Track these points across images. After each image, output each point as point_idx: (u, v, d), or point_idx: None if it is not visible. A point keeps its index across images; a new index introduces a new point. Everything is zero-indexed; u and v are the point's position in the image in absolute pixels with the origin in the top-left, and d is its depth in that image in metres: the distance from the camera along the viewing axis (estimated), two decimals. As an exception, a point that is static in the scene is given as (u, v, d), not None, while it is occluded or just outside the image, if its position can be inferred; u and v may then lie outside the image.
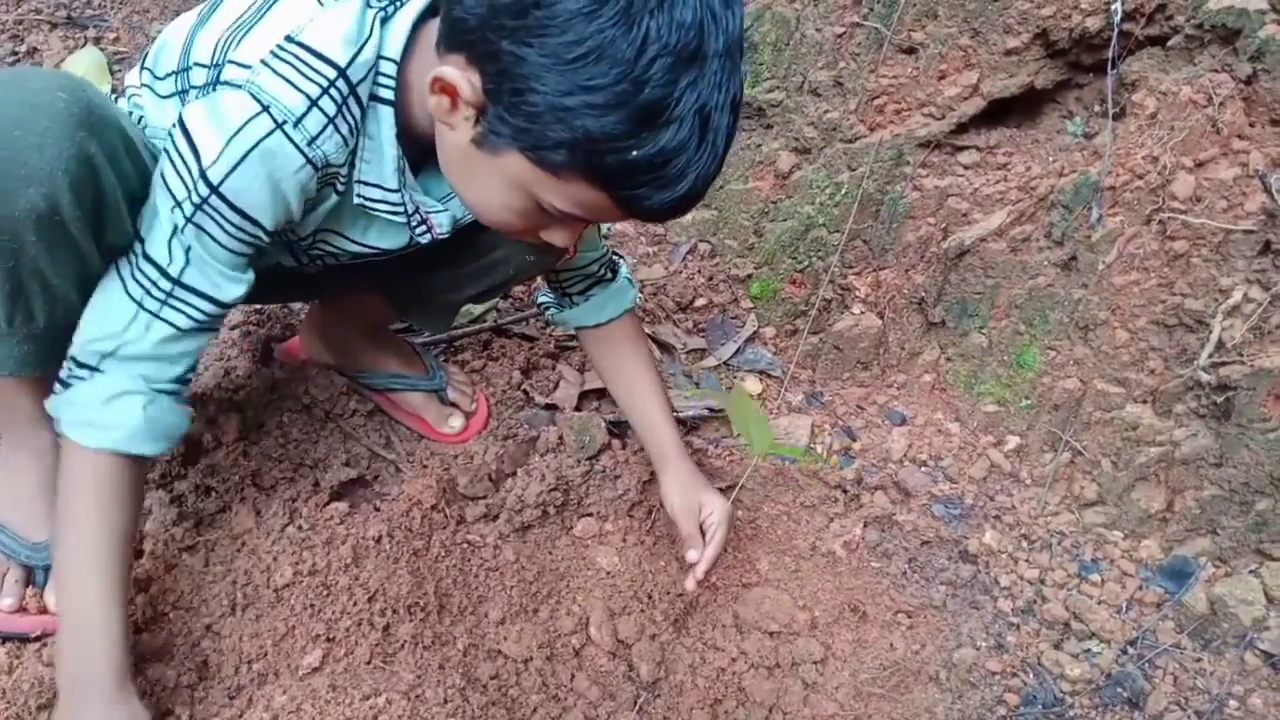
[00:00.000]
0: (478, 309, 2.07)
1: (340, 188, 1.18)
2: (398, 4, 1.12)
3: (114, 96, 1.35)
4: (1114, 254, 1.79)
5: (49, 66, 2.56)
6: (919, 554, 1.80)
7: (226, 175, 1.06)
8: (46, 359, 1.22)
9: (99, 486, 1.15)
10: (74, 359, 1.15)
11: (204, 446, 1.56)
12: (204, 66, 1.14)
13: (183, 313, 1.14)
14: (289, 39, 1.06)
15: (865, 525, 1.83)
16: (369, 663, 1.32)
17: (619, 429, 1.89)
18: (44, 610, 1.30)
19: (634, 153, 0.93)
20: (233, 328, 1.86)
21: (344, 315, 1.71)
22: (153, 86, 1.24)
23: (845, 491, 1.89)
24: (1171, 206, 1.73)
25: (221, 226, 1.10)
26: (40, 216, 1.02)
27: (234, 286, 1.16)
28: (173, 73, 1.20)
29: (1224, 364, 1.67)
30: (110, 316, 1.13)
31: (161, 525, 1.42)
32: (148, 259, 1.12)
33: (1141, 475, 1.79)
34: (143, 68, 1.28)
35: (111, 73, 2.57)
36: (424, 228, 1.26)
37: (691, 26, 0.90)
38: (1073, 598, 1.72)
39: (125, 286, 1.13)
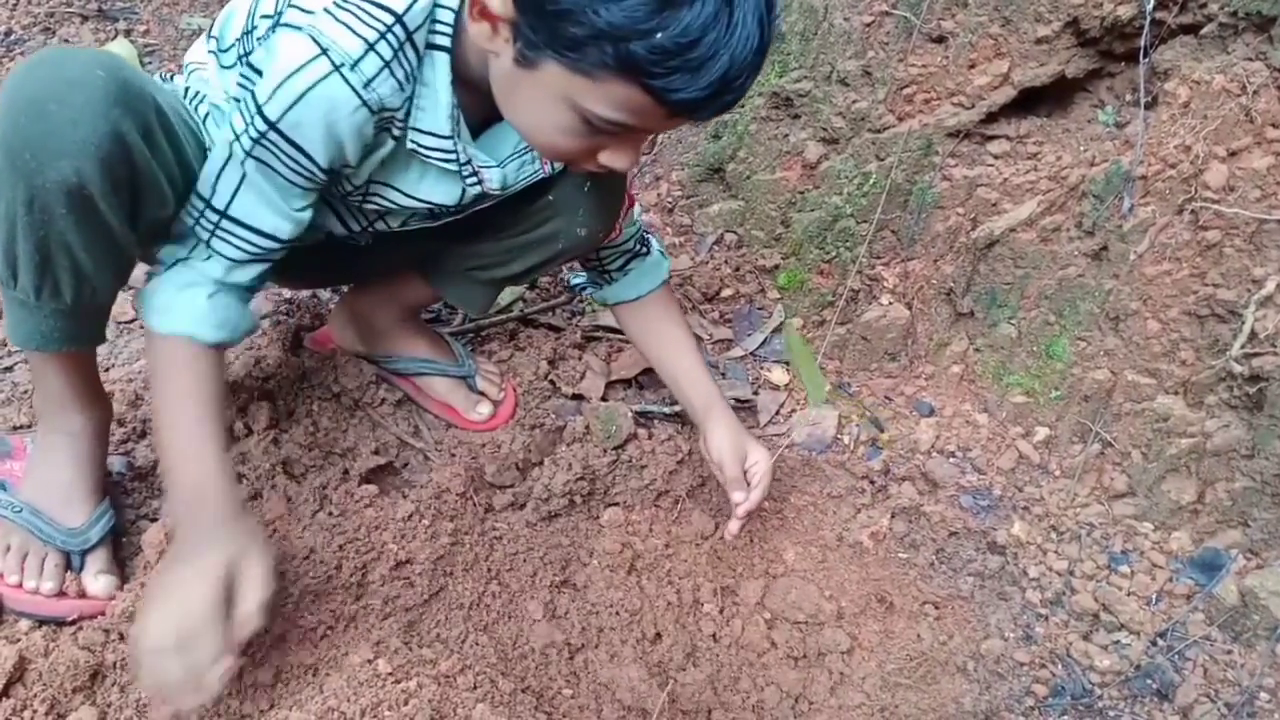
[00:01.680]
0: (506, 298, 2.08)
1: (396, 133, 1.21)
2: None
3: (171, 75, 1.38)
4: (1145, 244, 1.78)
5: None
6: (946, 545, 1.80)
7: (285, 112, 1.10)
8: (73, 337, 1.25)
9: (177, 367, 1.22)
10: (159, 259, 1.23)
11: (235, 434, 1.57)
12: (268, 17, 1.18)
13: (229, 243, 1.21)
14: None
15: (892, 516, 1.82)
16: (399, 650, 1.32)
17: (645, 419, 1.90)
18: (82, 594, 1.32)
19: (658, 35, 0.93)
20: (263, 317, 1.87)
21: (376, 300, 1.72)
22: (218, 56, 1.29)
23: (872, 482, 1.89)
24: (1204, 196, 1.71)
25: (280, 159, 1.14)
26: (70, 190, 1.04)
27: (283, 222, 1.22)
28: (238, 39, 1.24)
29: (1256, 355, 1.65)
30: (179, 234, 1.22)
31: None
32: (198, 193, 1.19)
33: (1172, 467, 1.78)
34: (209, 37, 1.33)
35: (142, 64, 2.59)
36: (475, 179, 1.29)
37: None
38: (1102, 589, 1.71)
39: (188, 212, 1.20)
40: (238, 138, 1.14)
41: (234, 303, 1.26)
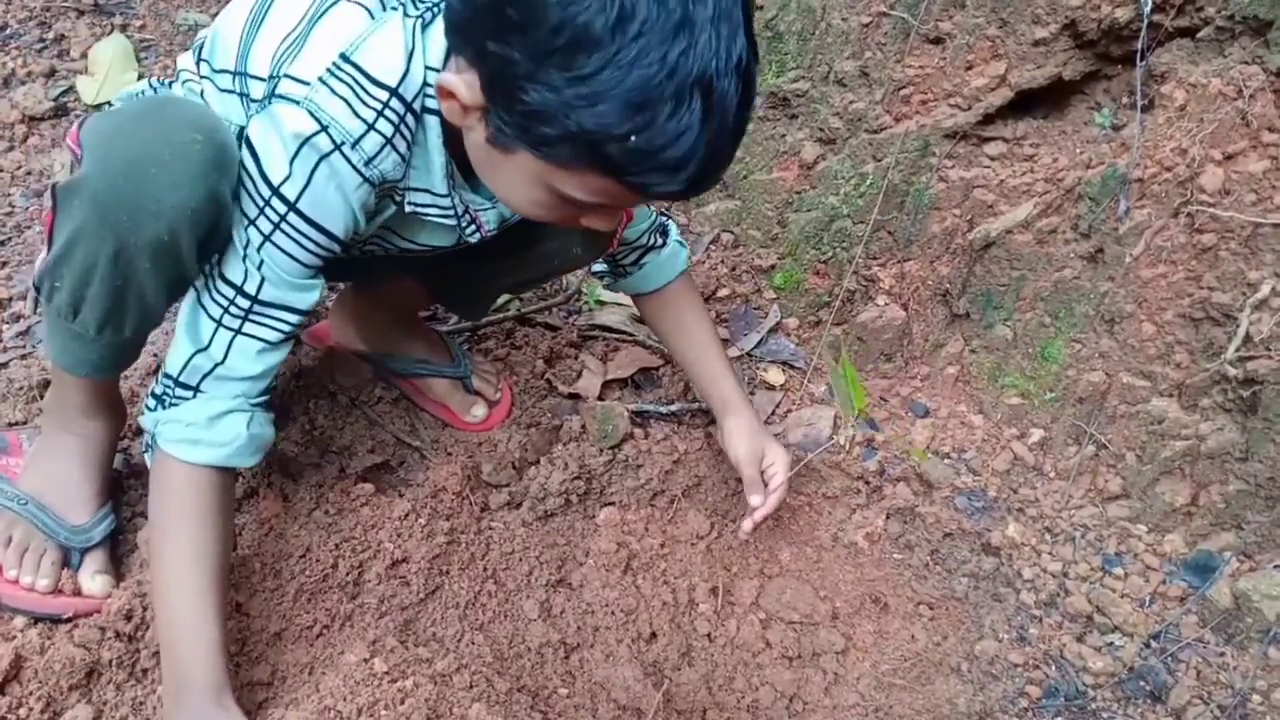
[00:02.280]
0: (503, 298, 2.08)
1: (398, 198, 1.20)
2: (435, 8, 1.12)
3: (169, 82, 1.37)
4: (1141, 246, 1.78)
5: (76, 54, 2.58)
6: (941, 546, 1.80)
7: (302, 191, 1.08)
8: (117, 364, 1.29)
9: (199, 499, 1.19)
10: (173, 379, 1.18)
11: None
12: (260, 80, 1.15)
13: (267, 326, 1.17)
14: (344, 58, 1.07)
15: (887, 517, 1.83)
16: (395, 649, 1.32)
17: (642, 419, 1.90)
18: (78, 592, 1.32)
19: (632, 139, 0.91)
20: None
21: (374, 300, 1.72)
22: (213, 79, 1.26)
23: (867, 483, 1.89)
24: (1200, 199, 1.71)
25: (298, 242, 1.12)
26: (160, 248, 1.06)
27: (309, 295, 1.19)
28: (230, 71, 1.21)
29: (1251, 358, 1.66)
30: (197, 337, 1.16)
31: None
32: (223, 278, 1.15)
33: (1166, 469, 1.79)
34: (200, 58, 1.29)
35: (138, 60, 2.59)
36: (474, 227, 1.28)
37: None
38: (1096, 591, 1.72)
39: (205, 308, 1.16)
40: (253, 222, 1.11)
41: (265, 419, 1.25)
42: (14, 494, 1.34)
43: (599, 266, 1.68)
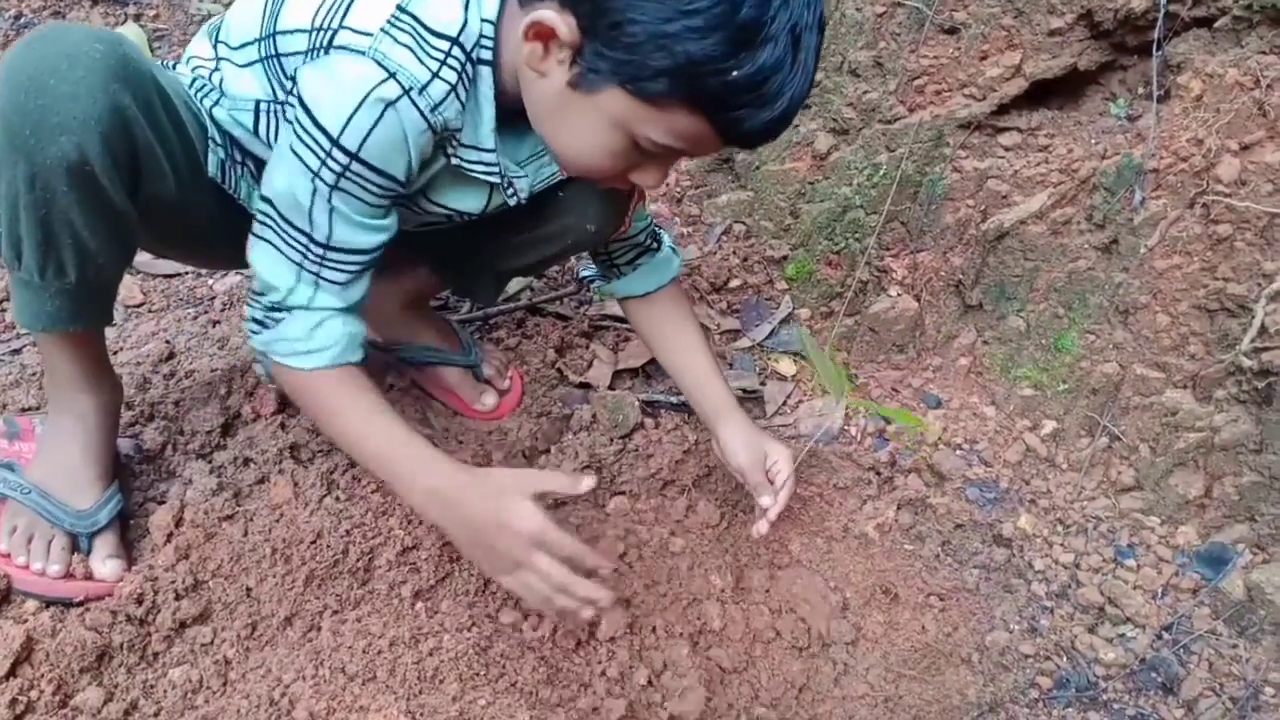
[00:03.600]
0: (514, 287, 2.08)
1: (449, 151, 1.21)
2: None
3: (173, 64, 1.37)
4: (1156, 237, 1.77)
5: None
6: (952, 537, 1.80)
7: (363, 141, 1.09)
8: (80, 316, 1.25)
9: (340, 384, 1.24)
10: (267, 305, 1.22)
11: (243, 419, 1.57)
12: (304, 31, 1.15)
13: (339, 269, 1.20)
14: (401, 9, 1.09)
15: (899, 508, 1.82)
16: (406, 635, 1.33)
17: (652, 409, 1.90)
18: (89, 576, 1.32)
19: (734, 73, 0.97)
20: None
21: (385, 287, 1.72)
22: (231, 58, 1.26)
23: (879, 474, 1.89)
24: (1216, 190, 1.70)
25: (365, 188, 1.14)
26: (71, 166, 1.04)
27: (379, 235, 1.22)
28: (254, 40, 1.22)
29: (1266, 349, 1.65)
30: (280, 277, 1.20)
31: (201, 495, 1.44)
32: (294, 226, 1.16)
33: (1180, 461, 1.78)
34: (215, 41, 1.30)
35: (151, 49, 2.59)
36: (511, 190, 1.30)
37: None
38: (1108, 582, 1.71)
39: (283, 252, 1.18)
40: (316, 174, 1.11)
41: (358, 320, 1.28)
42: (17, 483, 1.34)
43: (589, 271, 1.68)
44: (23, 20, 2.60)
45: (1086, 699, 1.58)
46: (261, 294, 1.22)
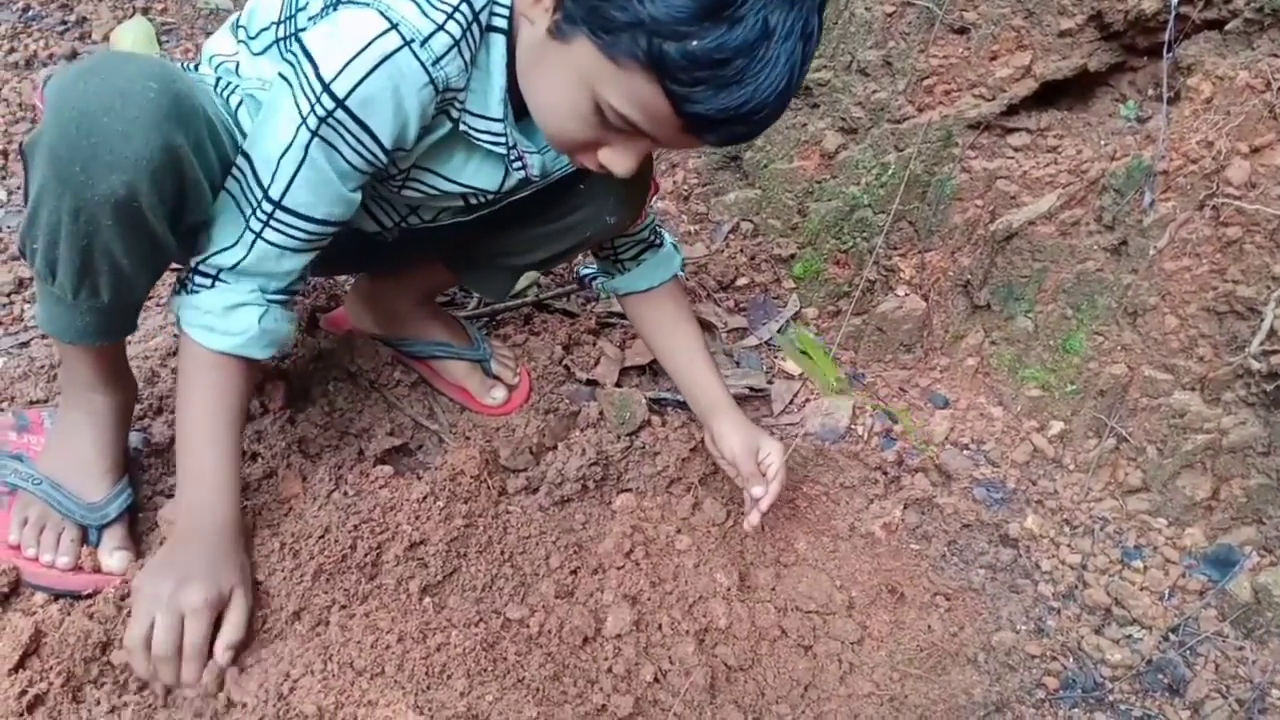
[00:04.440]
0: (521, 283, 2.08)
1: (454, 115, 1.21)
2: None
3: (195, 64, 1.38)
4: (1165, 239, 1.77)
5: (98, 36, 2.59)
6: (959, 537, 1.80)
7: (353, 88, 1.08)
8: (107, 332, 1.26)
9: (215, 381, 1.24)
10: (196, 268, 1.22)
11: (251, 413, 1.57)
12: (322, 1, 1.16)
13: (282, 233, 1.19)
14: None
15: (905, 507, 1.82)
16: (413, 631, 1.33)
17: (659, 406, 1.90)
18: (97, 569, 1.33)
19: (693, 42, 0.93)
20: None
21: (393, 283, 1.72)
22: (248, 45, 1.28)
23: (885, 473, 1.89)
24: (1226, 192, 1.70)
25: (345, 139, 1.13)
26: (119, 203, 1.04)
27: (335, 207, 1.20)
28: (272, 23, 1.23)
29: (1275, 352, 1.64)
30: (224, 230, 1.20)
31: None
32: (257, 180, 1.16)
33: (1187, 463, 1.78)
34: (237, 27, 1.32)
35: (160, 43, 2.60)
36: (519, 164, 1.29)
37: None
38: (1115, 583, 1.71)
39: (238, 204, 1.19)
40: (304, 119, 1.11)
41: (281, 313, 1.27)
42: (28, 474, 1.34)
43: (589, 269, 1.68)
44: (31, 13, 2.60)
45: (1093, 700, 1.58)
46: (194, 260, 1.23)
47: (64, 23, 2.61)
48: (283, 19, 1.23)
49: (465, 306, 2.06)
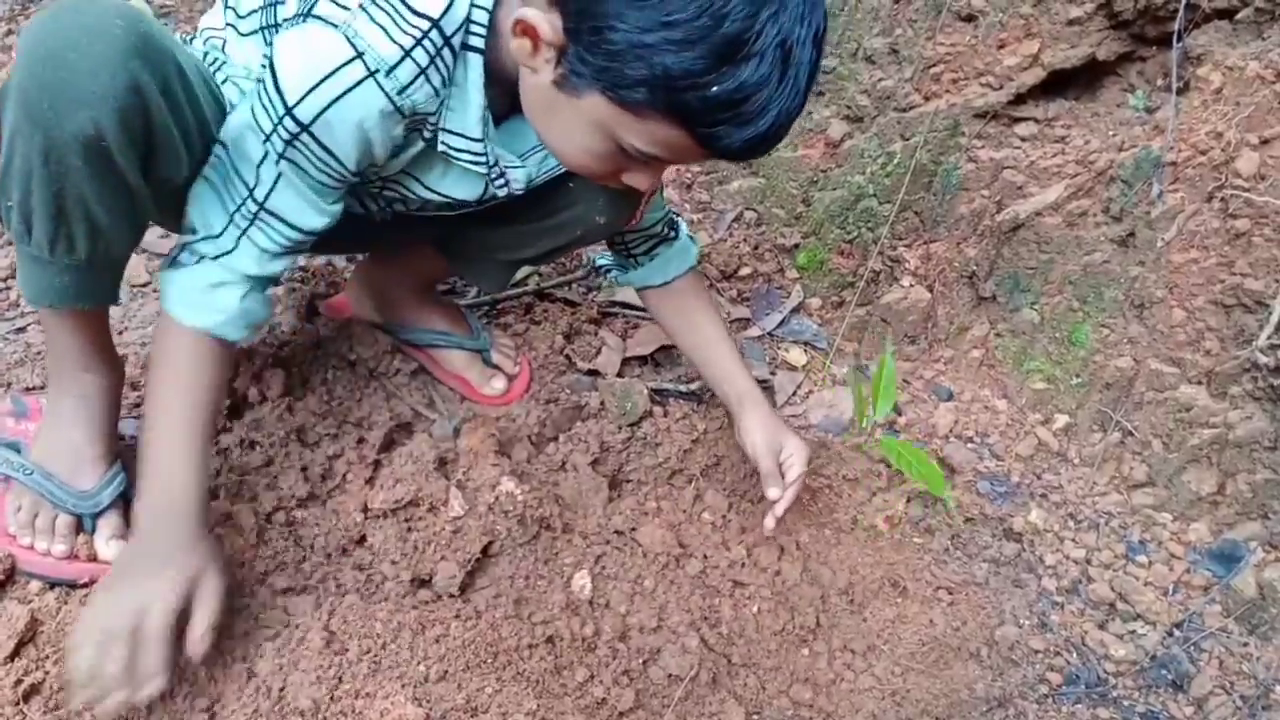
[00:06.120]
0: (522, 272, 2.06)
1: (427, 134, 1.20)
2: None
3: (189, 38, 1.37)
4: (1173, 231, 1.75)
5: (98, 19, 2.57)
6: (962, 531, 1.78)
7: (316, 116, 1.08)
8: (86, 294, 1.23)
9: (190, 359, 1.22)
10: (182, 245, 1.22)
11: (249, 401, 1.56)
12: None
13: (266, 234, 1.20)
14: None
15: (908, 500, 1.81)
16: (413, 623, 1.32)
17: (661, 397, 1.88)
18: (93, 557, 1.31)
19: (714, 89, 0.93)
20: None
21: (393, 271, 1.71)
22: (235, 25, 1.27)
23: (888, 466, 1.87)
24: (1234, 184, 1.68)
25: (311, 162, 1.13)
26: (87, 141, 1.03)
27: (317, 217, 1.21)
28: (257, 9, 1.23)
29: (1283, 346, 1.63)
30: (210, 218, 1.20)
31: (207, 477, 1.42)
32: (240, 177, 1.16)
33: (1193, 457, 1.76)
34: (226, 7, 1.31)
35: (160, 26, 2.57)
36: (501, 180, 1.28)
37: None
38: (1119, 578, 1.70)
39: (221, 195, 1.19)
40: (268, 137, 1.11)
41: (261, 299, 1.26)
42: (19, 464, 1.33)
43: (605, 260, 1.67)
44: (29, -4, 2.58)
45: (1096, 695, 1.57)
46: (183, 238, 1.22)
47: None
48: (265, 4, 1.22)
49: (466, 295, 2.04)
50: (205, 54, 1.30)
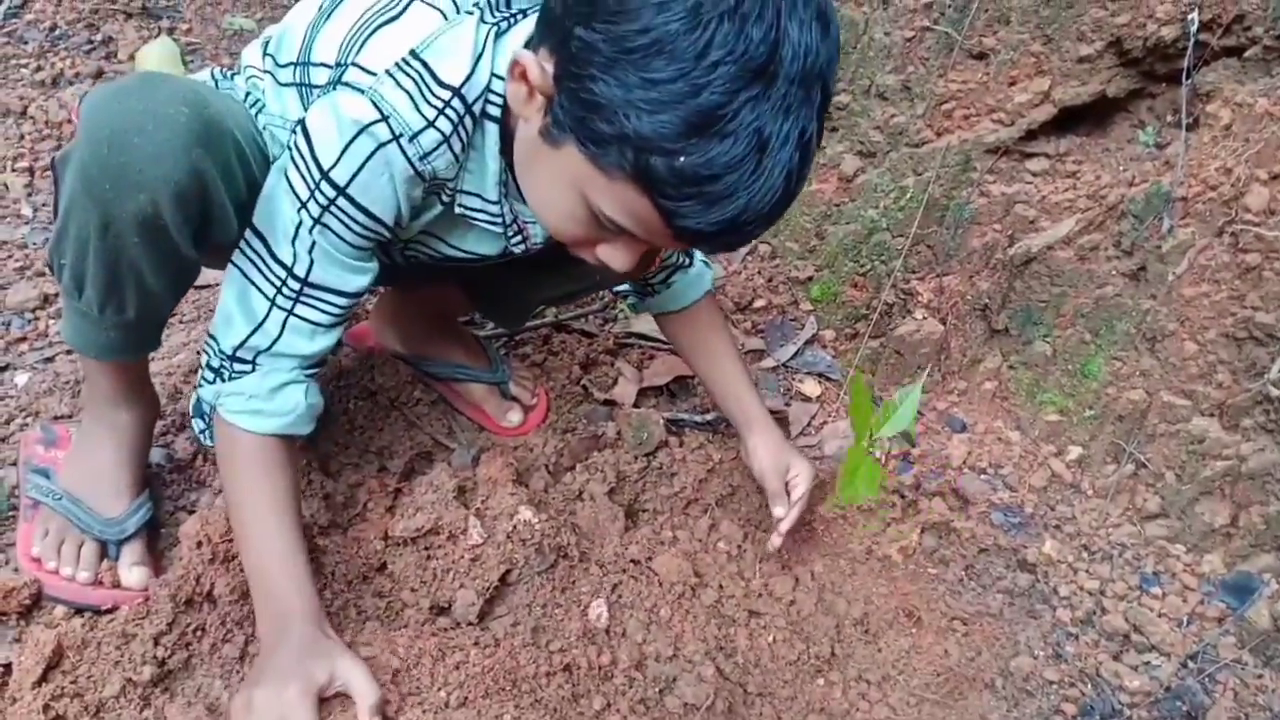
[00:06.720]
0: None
1: (445, 198, 1.21)
2: (512, 19, 1.14)
3: (231, 74, 1.39)
4: (1184, 265, 1.77)
5: (124, 55, 2.62)
6: (976, 561, 1.79)
7: (352, 177, 1.09)
8: (131, 348, 1.27)
9: (266, 462, 1.23)
10: (228, 354, 1.20)
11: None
12: (327, 67, 1.18)
13: (316, 309, 1.20)
14: (413, 54, 1.09)
15: (922, 531, 1.82)
16: (432, 649, 1.33)
17: (677, 427, 1.90)
18: (117, 584, 1.33)
19: (681, 159, 0.90)
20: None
21: (416, 304, 1.74)
22: (274, 73, 1.28)
23: (903, 497, 1.88)
24: (1244, 219, 1.70)
25: (347, 226, 1.14)
26: (145, 220, 1.05)
27: (359, 278, 1.21)
28: (292, 63, 1.24)
29: (1295, 379, 1.64)
30: (251, 314, 1.18)
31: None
32: (275, 259, 1.16)
33: (1206, 489, 1.77)
34: (265, 53, 1.32)
35: (184, 64, 2.62)
36: (520, 238, 1.29)
37: (761, 42, 0.86)
38: (1133, 610, 1.70)
39: (258, 285, 1.18)
40: (304, 205, 1.12)
41: (317, 390, 1.28)
42: (49, 489, 1.35)
43: (623, 287, 1.69)
44: (57, 32, 2.63)
45: (1111, 727, 1.57)
46: (219, 338, 1.21)
47: (90, 42, 2.64)
48: (299, 62, 1.23)
49: (485, 326, 2.06)
50: (247, 94, 1.33)
